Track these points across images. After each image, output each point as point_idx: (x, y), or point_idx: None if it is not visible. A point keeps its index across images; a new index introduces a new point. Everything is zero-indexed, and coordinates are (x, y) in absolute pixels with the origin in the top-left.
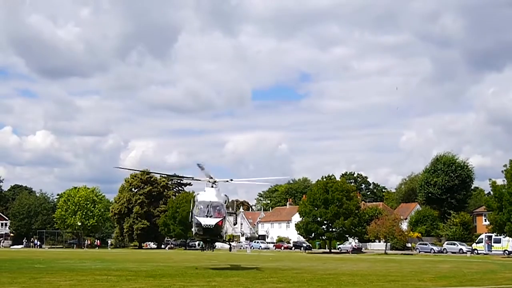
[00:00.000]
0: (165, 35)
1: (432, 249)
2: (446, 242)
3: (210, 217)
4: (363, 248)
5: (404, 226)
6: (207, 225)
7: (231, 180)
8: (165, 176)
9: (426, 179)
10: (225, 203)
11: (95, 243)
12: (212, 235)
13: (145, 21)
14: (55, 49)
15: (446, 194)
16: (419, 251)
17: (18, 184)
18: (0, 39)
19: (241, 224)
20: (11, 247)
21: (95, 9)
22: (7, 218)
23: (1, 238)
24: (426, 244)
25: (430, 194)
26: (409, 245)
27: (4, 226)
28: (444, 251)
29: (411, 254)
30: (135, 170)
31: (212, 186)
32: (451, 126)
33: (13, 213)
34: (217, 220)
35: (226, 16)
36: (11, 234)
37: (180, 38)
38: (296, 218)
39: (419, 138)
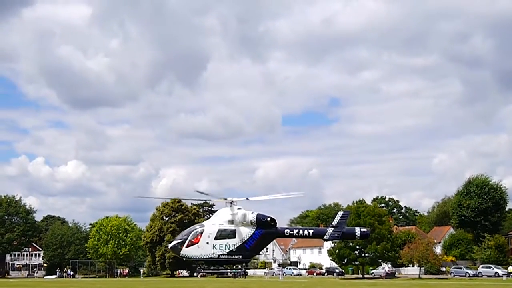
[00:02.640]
0: (194, 63)
1: (467, 272)
2: (481, 266)
3: (173, 241)
4: (396, 273)
5: (438, 250)
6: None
7: (247, 199)
8: (186, 200)
9: (459, 201)
10: (234, 223)
11: (123, 272)
12: (179, 257)
13: (174, 50)
14: (85, 80)
15: (479, 216)
16: (454, 275)
17: (50, 214)
18: (32, 71)
19: (273, 250)
20: (45, 277)
21: (124, 40)
22: (40, 249)
23: (35, 269)
24: (461, 268)
25: (463, 217)
26: (443, 269)
27: (37, 257)
28: (480, 275)
29: (446, 278)
30: (153, 197)
31: (231, 206)
32: (483, 148)
33: (47, 244)
34: (172, 243)
35: (254, 43)
36: (45, 265)
37: (209, 66)
38: (328, 243)
39: (451, 160)
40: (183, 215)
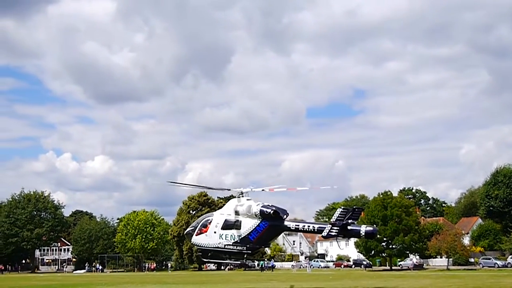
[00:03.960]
0: (219, 57)
1: (496, 263)
2: (510, 256)
3: (188, 227)
4: (424, 264)
5: (466, 240)
6: None
7: (252, 189)
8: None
9: (486, 192)
10: (239, 214)
11: (151, 266)
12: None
13: (199, 44)
14: (111, 75)
15: (508, 207)
16: (483, 266)
17: (78, 209)
18: (57, 67)
19: (300, 243)
20: (74, 272)
21: (149, 35)
22: (69, 244)
23: (64, 263)
24: (489, 259)
25: (491, 208)
26: (472, 260)
27: (66, 252)
28: (509, 266)
29: (475, 269)
30: (184, 184)
31: (240, 196)
32: (511, 138)
33: (75, 239)
34: (187, 229)
35: (278, 35)
36: (74, 259)
37: (233, 59)
38: None
39: (479, 150)
40: (209, 209)
